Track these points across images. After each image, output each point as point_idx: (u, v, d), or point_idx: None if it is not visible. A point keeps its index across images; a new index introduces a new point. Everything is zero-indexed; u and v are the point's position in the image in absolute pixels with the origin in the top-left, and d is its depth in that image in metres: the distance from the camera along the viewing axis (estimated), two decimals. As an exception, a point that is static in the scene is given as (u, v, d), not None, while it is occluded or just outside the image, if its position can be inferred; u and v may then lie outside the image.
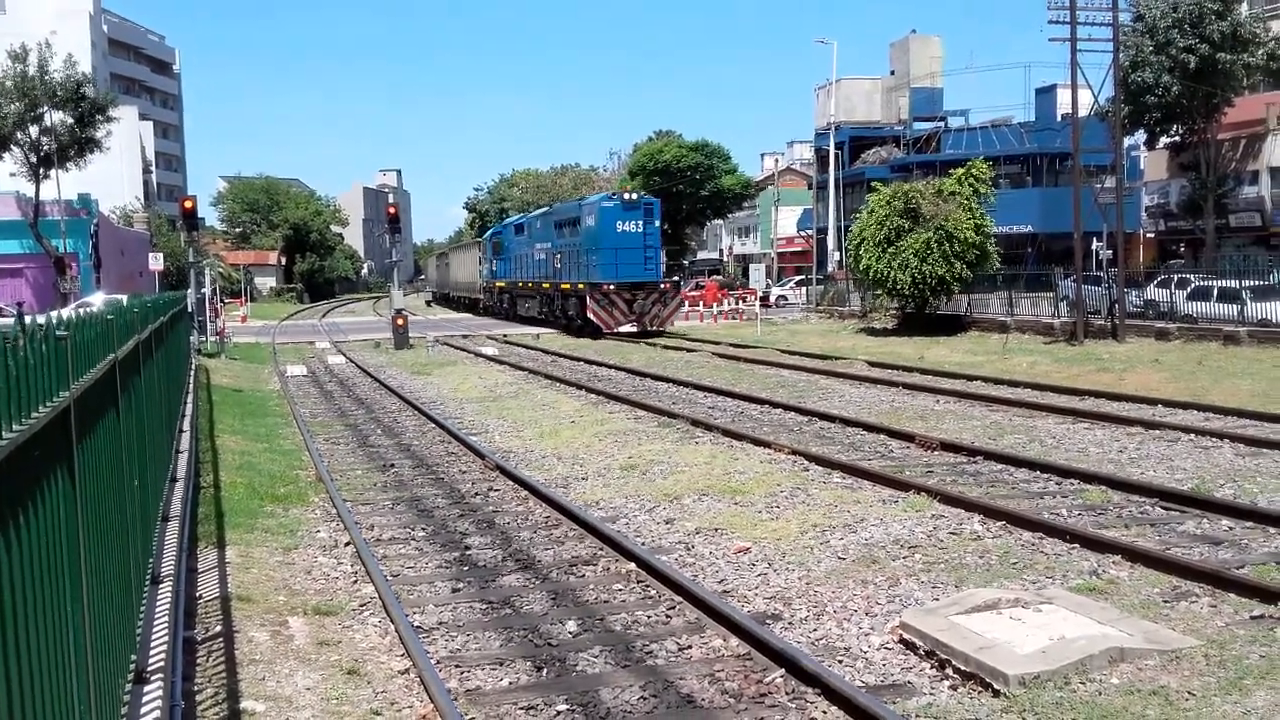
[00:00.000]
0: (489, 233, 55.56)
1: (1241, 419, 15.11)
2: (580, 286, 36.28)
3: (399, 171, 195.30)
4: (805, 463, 12.24)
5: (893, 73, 65.16)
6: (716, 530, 9.48)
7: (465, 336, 37.44)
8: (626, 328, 34.84)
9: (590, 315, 34.96)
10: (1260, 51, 38.88)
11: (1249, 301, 27.17)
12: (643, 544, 9.05)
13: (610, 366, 25.28)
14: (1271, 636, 6.59)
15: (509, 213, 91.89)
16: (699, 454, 12.99)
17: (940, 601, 7.31)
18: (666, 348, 30.73)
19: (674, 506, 10.42)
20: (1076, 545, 8.60)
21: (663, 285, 36.64)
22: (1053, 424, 15.15)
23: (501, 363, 27.20)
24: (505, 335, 37.85)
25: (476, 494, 11.40)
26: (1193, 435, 13.79)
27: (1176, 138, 42.51)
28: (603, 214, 35.90)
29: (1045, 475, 11.49)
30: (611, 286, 34.91)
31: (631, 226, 35.58)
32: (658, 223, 37.13)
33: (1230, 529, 9.17)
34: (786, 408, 17.07)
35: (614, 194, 37.70)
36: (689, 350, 29.62)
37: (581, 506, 10.37)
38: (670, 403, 18.21)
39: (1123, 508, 10.05)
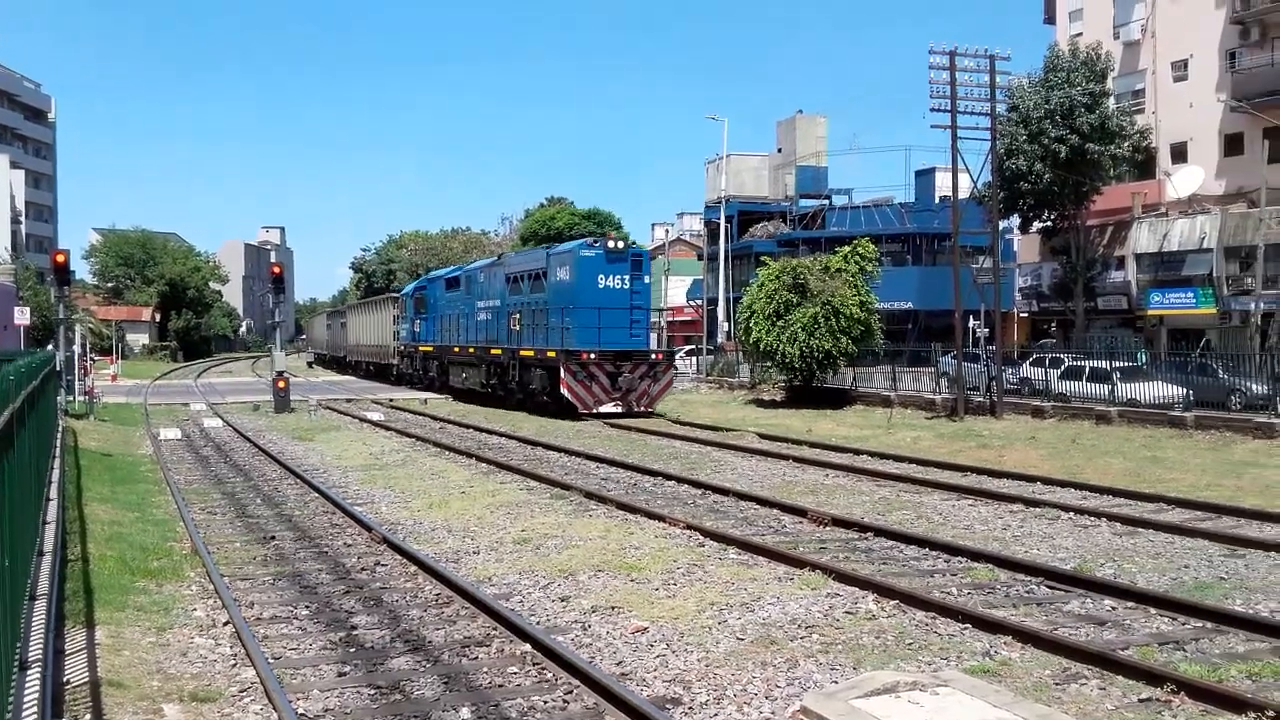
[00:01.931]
0: (409, 287, 47.80)
1: (1116, 498, 15.63)
2: (550, 355, 29.40)
3: (282, 229, 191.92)
4: (701, 538, 12.19)
5: (780, 150, 66.84)
6: (613, 609, 9.31)
7: (350, 400, 36.60)
8: (608, 407, 28.76)
9: (565, 391, 28.43)
10: (1126, 144, 41.07)
11: (1118, 382, 28.33)
12: (538, 623, 8.83)
13: (500, 434, 24.99)
14: (1158, 719, 6.71)
15: (397, 274, 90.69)
16: (593, 528, 12.83)
17: (839, 685, 7.27)
18: (556, 415, 29.36)
19: (569, 583, 10.22)
20: (969, 625, 8.68)
21: (653, 356, 30.46)
22: (938, 500, 15.43)
23: (388, 428, 26.64)
24: (391, 400, 37.09)
25: (363, 569, 11.02)
26: (1071, 514, 14.18)
27: (1049, 223, 44.40)
28: (581, 265, 29.32)
29: (934, 552, 11.64)
30: (592, 356, 28.45)
31: (616, 282, 29.26)
32: (647, 278, 30.95)
33: (1113, 609, 9.38)
34: (680, 480, 17.05)
35: (594, 240, 30.66)
36: (580, 419, 29.26)
37: (474, 583, 10.10)
38: (563, 473, 18.02)
39: (1010, 586, 10.21)
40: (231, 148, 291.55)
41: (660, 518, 13.29)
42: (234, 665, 7.88)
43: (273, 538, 12.73)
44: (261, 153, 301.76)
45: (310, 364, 77.94)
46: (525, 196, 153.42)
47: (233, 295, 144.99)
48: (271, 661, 7.80)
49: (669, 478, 17.40)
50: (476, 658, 8.05)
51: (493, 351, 34.19)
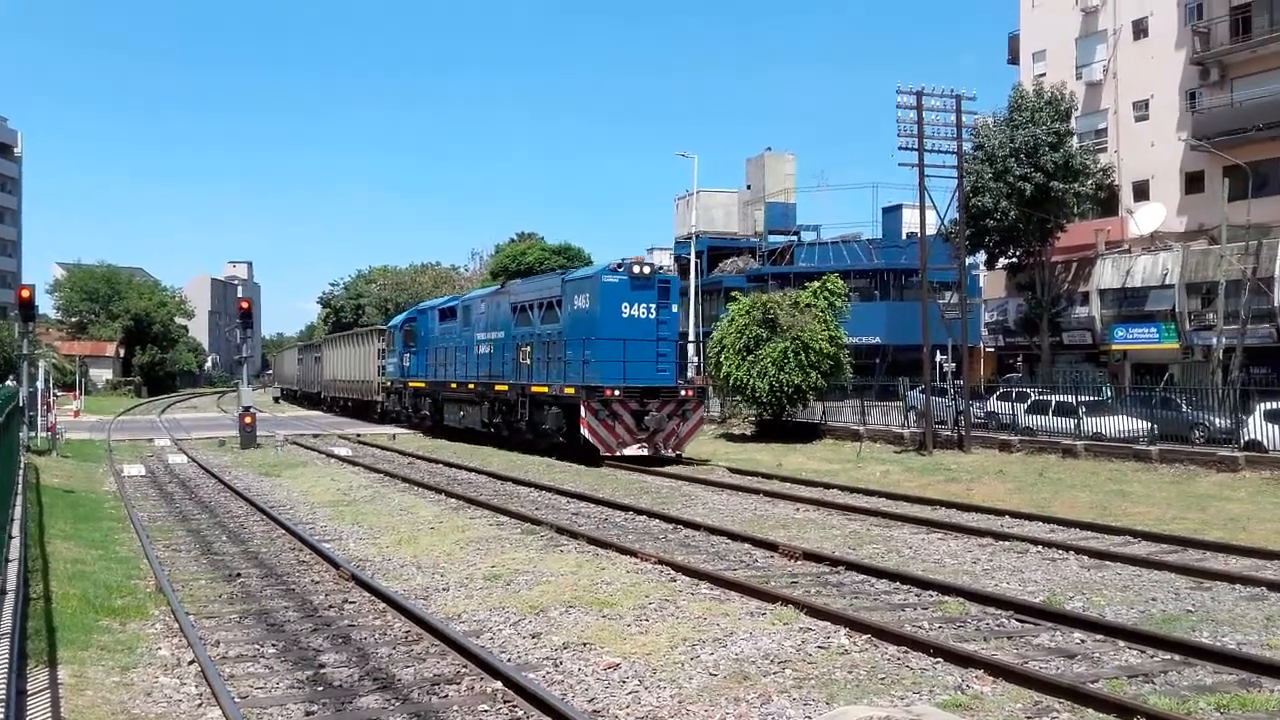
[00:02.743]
0: (399, 319, 43.94)
1: (1084, 531, 15.75)
2: (569, 392, 26.07)
3: (250, 264, 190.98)
4: (672, 573, 12.15)
5: (749, 187, 67.40)
6: (585, 645, 9.25)
7: (316, 436, 36.29)
8: (633, 450, 25.58)
9: (585, 432, 25.25)
10: (1089, 181, 41.70)
11: (1084, 416, 28.59)
12: (509, 660, 8.76)
13: (470, 469, 24.86)
14: (1130, 752, 6.74)
15: (365, 310, 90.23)
16: (564, 563, 12.76)
17: (813, 720, 7.25)
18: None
19: (540, 619, 10.15)
20: (941, 659, 8.69)
21: (683, 393, 26.69)
22: (908, 534, 15.48)
23: (355, 464, 26.44)
24: (359, 435, 36.79)
25: (330, 606, 10.89)
26: (1040, 547, 14.26)
27: (1014, 259, 44.91)
28: (604, 292, 26.16)
29: (905, 586, 11.66)
30: (616, 393, 25.28)
31: (641, 310, 26.19)
32: (675, 306, 27.94)
33: (1083, 642, 9.42)
34: (651, 515, 17.01)
35: (618, 265, 27.18)
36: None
37: (443, 620, 10.00)
38: (533, 508, 17.94)
39: (981, 620, 10.24)
40: (199, 183, 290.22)
41: (632, 553, 13.25)
42: (199, 705, 7.76)
43: (239, 575, 12.57)
44: (230, 188, 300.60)
45: (277, 399, 77.19)
46: (496, 232, 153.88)
47: (199, 330, 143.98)
48: (238, 701, 7.69)
49: (640, 512, 17.35)
50: (447, 696, 7.96)
51: (497, 388, 30.80)
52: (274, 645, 9.40)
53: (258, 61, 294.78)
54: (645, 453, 25.66)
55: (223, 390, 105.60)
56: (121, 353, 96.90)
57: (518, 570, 12.35)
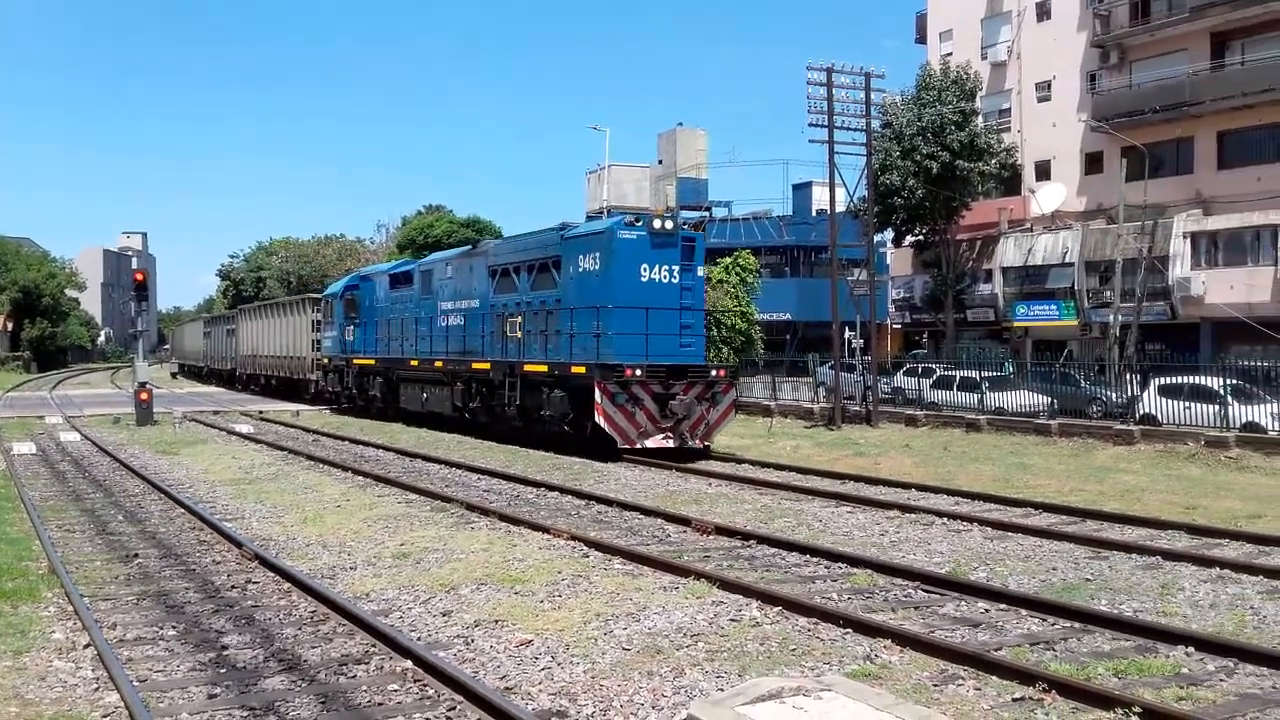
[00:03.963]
0: (338, 285, 38.75)
1: (987, 503, 16.11)
2: (577, 371, 21.83)
3: (144, 234, 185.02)
4: (585, 548, 12.11)
5: (660, 162, 67.39)
6: (497, 622, 9.16)
7: (216, 413, 35.36)
8: (656, 440, 21.55)
9: (601, 420, 21.03)
10: (993, 161, 42.58)
11: (987, 391, 29.26)
12: (418, 639, 8.62)
13: (378, 446, 24.45)
14: (1031, 717, 6.89)
15: (267, 282, 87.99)
16: (476, 540, 12.63)
17: (725, 692, 7.26)
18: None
19: (451, 597, 10.02)
20: (850, 630, 8.79)
21: (714, 373, 22.75)
22: (819, 507, 15.66)
23: (258, 441, 25.85)
24: (261, 411, 35.95)
25: (233, 587, 10.61)
26: (945, 519, 14.55)
27: (920, 237, 45.69)
28: (619, 251, 21.93)
29: (816, 559, 11.79)
30: (638, 373, 21.20)
31: (663, 274, 22.16)
32: (700, 270, 23.57)
33: (987, 611, 9.62)
34: (563, 490, 16.94)
35: (634, 218, 23.08)
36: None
37: (351, 599, 9.81)
38: (443, 485, 17.73)
39: (889, 591, 10.40)
40: (89, 150, 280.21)
41: (544, 529, 13.17)
42: (96, 689, 7.49)
43: (136, 556, 12.18)
44: (122, 157, 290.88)
45: (174, 375, 74.91)
46: (402, 203, 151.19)
47: (91, 303, 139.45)
48: (137, 684, 7.44)
49: (552, 488, 17.27)
50: (355, 676, 7.81)
51: (474, 366, 26.30)
52: (174, 627, 9.12)
53: (150, 26, 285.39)
54: (671, 444, 21.63)
55: (117, 366, 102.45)
56: (9, 327, 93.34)
57: (428, 548, 12.18)
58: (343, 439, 26.59)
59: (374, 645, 8.44)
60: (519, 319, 24.91)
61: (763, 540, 12.77)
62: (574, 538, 12.58)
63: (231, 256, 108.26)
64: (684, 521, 13.92)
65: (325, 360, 38.06)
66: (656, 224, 22.48)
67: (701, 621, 9.08)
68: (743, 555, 12.10)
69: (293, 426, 30.82)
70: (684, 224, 23.31)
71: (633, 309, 21.72)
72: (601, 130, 60.24)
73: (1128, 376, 27.74)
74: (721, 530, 13.33)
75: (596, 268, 22.46)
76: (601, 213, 56.36)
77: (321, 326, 39.13)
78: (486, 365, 25.80)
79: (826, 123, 29.71)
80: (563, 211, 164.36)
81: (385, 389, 32.52)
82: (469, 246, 29.90)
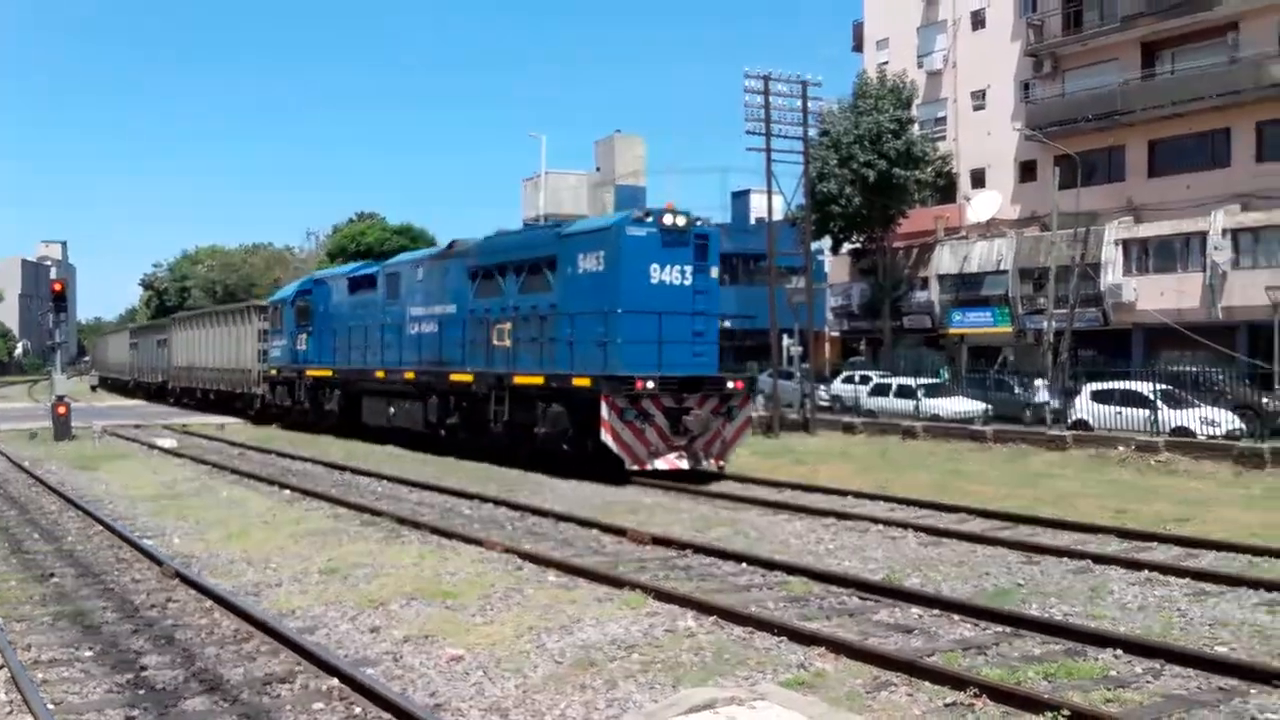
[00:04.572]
0: (288, 290, 35.79)
1: (922, 509, 16.22)
2: (580, 384, 19.61)
3: (64, 244, 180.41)
4: (519, 561, 11.96)
5: (598, 169, 67.31)
6: (427, 637, 8.98)
7: (138, 426, 34.50)
8: (669, 460, 19.48)
9: (608, 439, 18.90)
10: (929, 169, 43.15)
11: (923, 398, 29.54)
12: (345, 656, 8.43)
13: (306, 460, 23.99)
14: (964, 723, 6.89)
15: (192, 292, 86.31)
16: (406, 554, 12.42)
17: (659, 704, 7.17)
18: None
19: (380, 613, 9.82)
20: (785, 638, 8.75)
21: (730, 385, 20.34)
22: (755, 516, 15.65)
23: (181, 456, 25.27)
24: (185, 425, 35.13)
25: (153, 606, 10.31)
26: (881, 525, 14.62)
27: (858, 244, 46.12)
28: (626, 249, 19.77)
29: (752, 568, 11.76)
30: (650, 385, 19.10)
31: (675, 276, 20.06)
32: (714, 271, 21.17)
33: (920, 617, 9.64)
34: (498, 503, 16.76)
35: (644, 213, 20.72)
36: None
37: (275, 616, 9.58)
38: (374, 499, 17.44)
39: (824, 599, 10.38)
40: (4, 159, 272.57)
41: (477, 541, 13.00)
42: (10, 713, 7.21)
43: (52, 575, 11.79)
44: (41, 165, 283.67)
45: (94, 388, 72.90)
46: (333, 211, 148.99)
47: (8, 315, 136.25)
48: (52, 707, 7.18)
49: (486, 500, 17.07)
50: (279, 695, 7.60)
51: (454, 378, 23.67)
52: (91, 648, 8.83)
53: (69, 33, 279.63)
54: (684, 465, 19.63)
55: (35, 378, 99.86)
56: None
57: (356, 563, 11.94)
58: (270, 452, 26.06)
59: (299, 663, 8.24)
60: (507, 325, 22.41)
61: (699, 550, 12.72)
62: (507, 550, 12.42)
63: (155, 266, 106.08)
64: (620, 532, 13.83)
65: (273, 372, 34.91)
66: (668, 219, 20.13)
67: (636, 633, 8.99)
68: (679, 565, 12.03)
69: (218, 440, 30.16)
70: (697, 220, 21.03)
71: (644, 314, 19.44)
72: (538, 137, 60.12)
73: (1061, 382, 28.17)
74: (658, 540, 13.26)
75: (600, 268, 20.17)
76: (539, 220, 56.13)
77: (269, 335, 35.84)
78: (468, 377, 23.13)
79: (764, 131, 29.84)
80: (499, 219, 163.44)
81: (344, 403, 29.88)
82: (445, 247, 26.74)
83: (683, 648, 8.57)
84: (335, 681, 7.69)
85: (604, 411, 18.80)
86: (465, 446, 23.83)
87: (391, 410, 27.02)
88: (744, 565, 11.88)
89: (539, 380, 20.84)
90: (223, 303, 62.00)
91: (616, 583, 10.67)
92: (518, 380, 21.46)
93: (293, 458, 24.63)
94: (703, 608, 9.65)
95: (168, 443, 28.45)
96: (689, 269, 20.26)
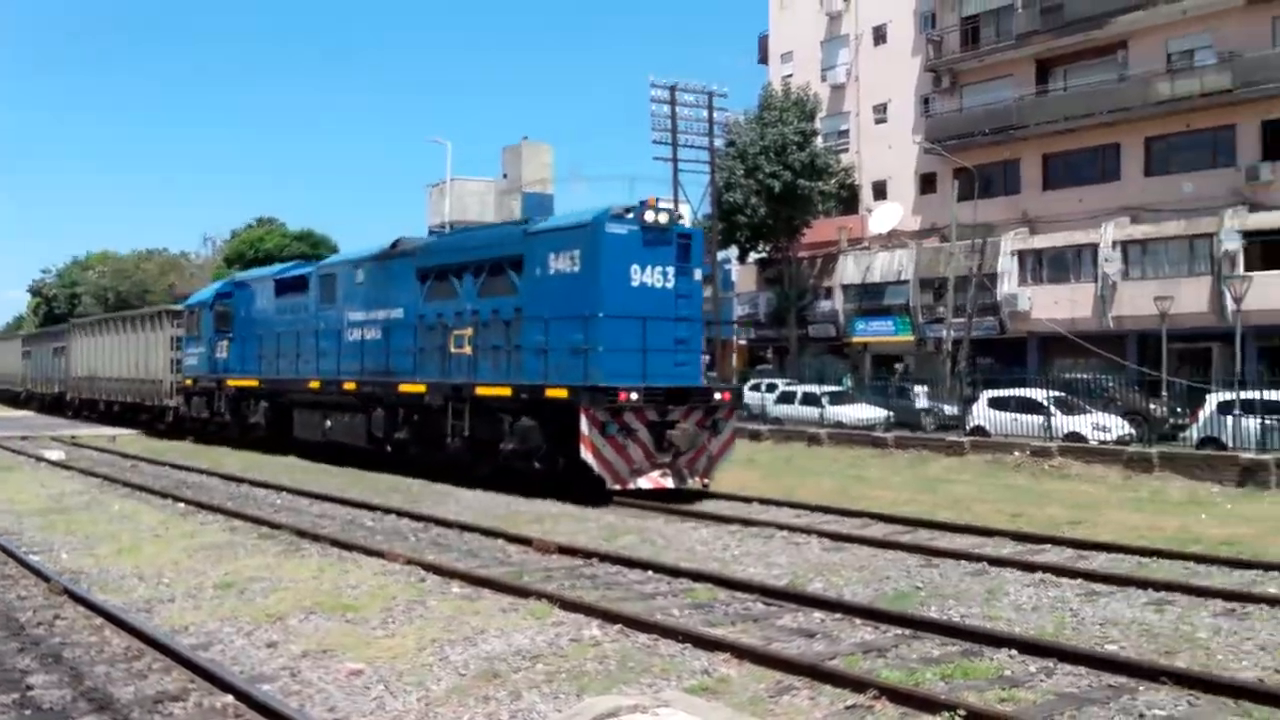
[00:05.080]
0: (205, 294, 33.35)
1: (826, 515, 16.44)
2: (554, 395, 18.03)
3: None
4: (422, 572, 11.79)
5: (505, 176, 67.02)
6: (326, 652, 8.80)
7: (25, 438, 33.20)
8: (653, 478, 18.01)
9: (588, 456, 17.36)
10: (833, 181, 43.93)
11: (827, 406, 29.99)
12: (241, 672, 8.21)
13: (201, 472, 23.32)
14: (865, 725, 6.98)
15: (82, 299, 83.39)
16: (305, 568, 12.16)
17: (563, 714, 7.15)
18: (269, 452, 24.44)
19: (277, 628, 9.60)
20: (689, 645, 8.77)
21: (717, 396, 19.10)
22: (662, 524, 15.69)
23: (70, 468, 24.35)
24: (74, 436, 33.87)
25: (40, 623, 9.92)
26: (785, 531, 14.76)
27: (764, 254, 46.69)
28: (605, 248, 18.20)
29: (658, 575, 11.77)
30: (634, 397, 17.57)
31: (657, 278, 18.63)
32: (698, 273, 19.86)
33: (823, 621, 9.75)
34: (401, 514, 16.50)
35: (624, 209, 18.87)
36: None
37: (168, 633, 9.29)
38: (272, 511, 17.03)
39: (729, 605, 10.44)
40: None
41: (379, 553, 12.79)
42: (-122, 741, 6.87)
43: (-68, 594, 11.30)
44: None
45: None
46: (231, 216, 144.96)
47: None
48: (-75, 734, 6.87)
49: (389, 511, 16.80)
50: (171, 714, 7.38)
51: (403, 388, 21.71)
52: (-29, 670, 8.46)
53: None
54: (669, 484, 18.19)
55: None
56: None
57: (253, 577, 11.65)
58: (164, 464, 25.22)
59: (193, 680, 8.01)
60: (468, 332, 20.61)
61: (605, 558, 12.70)
62: (410, 562, 12.24)
63: (44, 272, 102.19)
64: (525, 542, 13.74)
65: (189, 382, 32.28)
66: (650, 216, 18.51)
67: (541, 643, 8.93)
68: (585, 574, 11.99)
69: (110, 452, 29.15)
70: (678, 218, 19.57)
71: (627, 319, 17.97)
72: (442, 143, 59.63)
73: (959, 390, 28.82)
74: (564, 549, 13.20)
75: (575, 269, 18.50)
76: (444, 227, 55.60)
77: (184, 342, 33.26)
78: (420, 388, 21.19)
79: (671, 140, 30.05)
80: (404, 226, 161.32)
81: (272, 415, 27.59)
82: (389, 246, 24.38)
83: (588, 656, 8.54)
84: (230, 699, 7.49)
85: (583, 426, 17.21)
86: (416, 463, 22.03)
87: (328, 423, 24.96)
88: (650, 573, 11.89)
89: (506, 391, 19.13)
90: (115, 310, 59.82)
91: (522, 593, 10.59)
92: (480, 391, 19.66)
93: (188, 470, 23.92)
94: (608, 616, 9.63)
95: (56, 454, 27.41)
96: (671, 270, 18.81)
